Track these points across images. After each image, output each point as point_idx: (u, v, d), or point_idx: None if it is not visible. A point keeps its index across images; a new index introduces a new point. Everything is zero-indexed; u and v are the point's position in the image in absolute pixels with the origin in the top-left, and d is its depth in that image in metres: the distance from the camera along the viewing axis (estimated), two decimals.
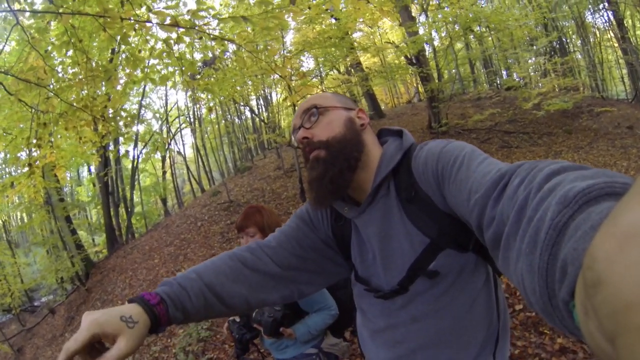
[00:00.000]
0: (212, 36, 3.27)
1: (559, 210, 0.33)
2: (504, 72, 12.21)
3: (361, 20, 6.48)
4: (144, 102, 11.84)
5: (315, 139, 0.79)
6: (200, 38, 4.29)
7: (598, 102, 10.82)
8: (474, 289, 0.79)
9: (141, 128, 12.64)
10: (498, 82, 12.09)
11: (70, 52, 3.57)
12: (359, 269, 0.86)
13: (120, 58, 4.34)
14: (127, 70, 3.87)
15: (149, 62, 3.95)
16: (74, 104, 3.66)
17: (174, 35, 3.06)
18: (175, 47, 3.45)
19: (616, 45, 14.00)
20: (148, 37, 3.64)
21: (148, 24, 2.96)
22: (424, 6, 7.51)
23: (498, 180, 0.50)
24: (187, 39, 3.24)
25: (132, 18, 2.92)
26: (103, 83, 3.83)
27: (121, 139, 12.79)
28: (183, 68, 3.66)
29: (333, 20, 6.57)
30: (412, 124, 10.42)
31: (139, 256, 9.00)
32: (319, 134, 0.79)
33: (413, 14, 7.77)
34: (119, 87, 4.33)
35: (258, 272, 0.83)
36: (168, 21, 2.84)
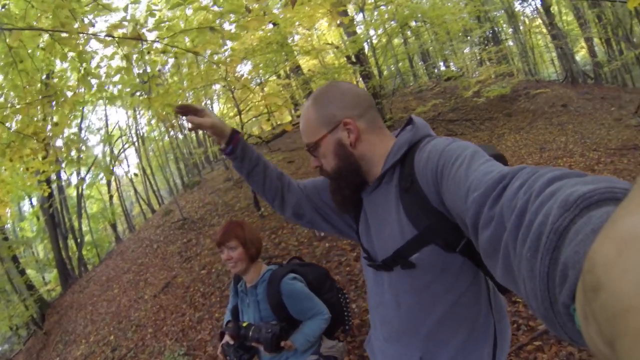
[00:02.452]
0: (176, 49, 3.06)
1: (560, 214, 0.34)
2: (442, 64, 12.84)
3: (298, 23, 6.47)
4: (83, 125, 11.15)
5: (323, 167, 0.90)
6: (163, 52, 4.06)
7: (533, 85, 11.53)
8: (457, 290, 0.81)
9: (82, 155, 11.89)
10: (437, 73, 12.60)
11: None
12: (362, 239, 0.96)
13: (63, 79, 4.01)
14: (80, 90, 3.56)
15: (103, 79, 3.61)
16: (22, 133, 3.29)
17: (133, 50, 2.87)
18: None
19: (545, 31, 15.08)
20: (106, 53, 3.40)
21: (108, 39, 2.67)
22: (361, 5, 7.63)
23: (498, 181, 0.50)
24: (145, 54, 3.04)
25: (88, 33, 2.67)
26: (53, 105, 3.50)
27: (63, 166, 12.05)
28: (145, 82, 3.45)
29: (271, 26, 6.50)
30: None
31: (97, 288, 8.46)
32: (324, 165, 0.89)
33: (350, 14, 7.88)
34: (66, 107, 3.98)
35: (292, 184, 1.10)
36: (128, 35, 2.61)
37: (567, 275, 0.30)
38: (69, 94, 3.58)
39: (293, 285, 1.48)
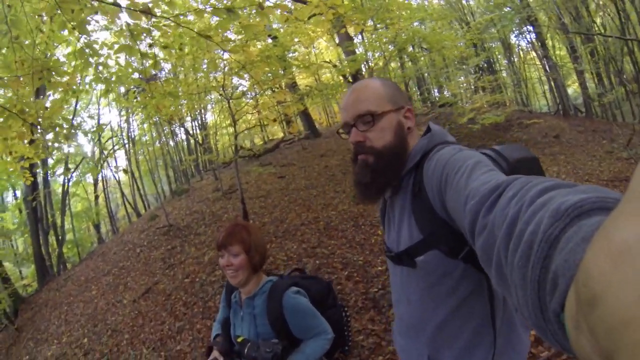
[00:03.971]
0: (191, 30, 2.80)
1: (551, 224, 0.34)
2: (436, 90, 13.04)
3: (297, 40, 6.54)
4: (74, 122, 11.01)
5: (367, 143, 0.88)
6: (165, 46, 3.78)
7: (526, 115, 11.78)
8: (459, 295, 0.83)
9: (72, 149, 11.72)
10: (432, 99, 12.78)
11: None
12: (385, 235, 1.00)
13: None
14: (69, 68, 3.34)
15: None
16: (7, 108, 3.02)
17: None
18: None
19: (538, 63, 15.49)
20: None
21: (115, 7, 2.38)
22: (361, 27, 7.76)
23: (493, 190, 0.51)
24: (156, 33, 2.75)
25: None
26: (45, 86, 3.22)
27: (50, 160, 11.85)
28: (147, 65, 3.13)
29: (270, 40, 6.57)
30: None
31: (74, 288, 8.25)
32: (372, 140, 0.87)
33: (350, 34, 8.01)
34: (56, 95, 3.73)
35: None
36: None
37: (558, 283, 0.30)
38: (65, 79, 3.38)
39: (296, 299, 1.34)
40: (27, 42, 3.18)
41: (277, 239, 5.85)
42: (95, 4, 2.39)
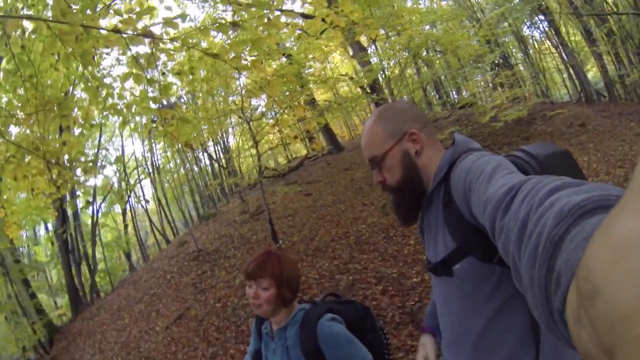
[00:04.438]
0: (196, 49, 2.78)
1: (555, 224, 0.35)
2: (454, 92, 12.85)
3: (311, 56, 6.55)
4: (100, 155, 11.34)
5: (387, 182, 0.94)
6: (178, 73, 3.74)
7: (548, 107, 11.44)
8: (498, 301, 0.82)
9: (99, 181, 12.05)
10: (450, 101, 12.59)
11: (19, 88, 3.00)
12: (425, 249, 1.01)
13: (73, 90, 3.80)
14: (86, 103, 3.39)
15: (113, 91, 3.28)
16: (22, 146, 3.04)
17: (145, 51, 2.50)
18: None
19: (554, 52, 15.09)
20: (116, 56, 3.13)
21: (116, 34, 2.30)
22: (373, 37, 7.74)
23: (507, 193, 0.52)
24: (162, 57, 2.61)
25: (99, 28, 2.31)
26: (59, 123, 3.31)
27: (79, 192, 12.21)
28: (156, 93, 3.02)
29: (284, 59, 6.60)
30: None
31: (107, 317, 8.41)
32: (388, 179, 0.93)
33: (364, 45, 7.98)
34: (76, 130, 3.77)
35: None
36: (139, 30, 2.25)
37: (560, 283, 0.30)
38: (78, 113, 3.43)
39: (332, 327, 1.23)
40: (48, 82, 3.25)
41: (307, 257, 5.79)
42: (94, 29, 2.32)
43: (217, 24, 2.52)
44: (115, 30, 2.30)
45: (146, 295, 8.30)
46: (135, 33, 2.29)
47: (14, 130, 3.46)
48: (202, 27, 2.72)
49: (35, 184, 3.55)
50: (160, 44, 2.57)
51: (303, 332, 1.23)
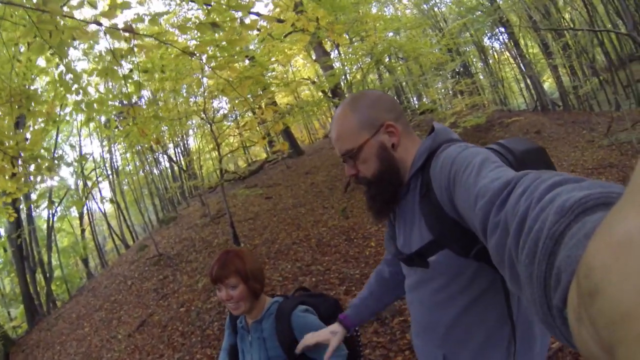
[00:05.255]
0: (175, 49, 2.75)
1: (556, 220, 0.34)
2: (415, 98, 13.26)
3: (274, 59, 6.59)
4: (55, 154, 10.82)
5: (360, 174, 0.91)
6: (145, 70, 3.61)
7: (505, 114, 11.98)
8: (471, 294, 0.82)
9: (55, 182, 11.47)
10: (411, 107, 12.96)
11: None
12: (398, 240, 0.98)
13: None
14: (48, 98, 3.22)
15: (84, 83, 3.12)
16: None
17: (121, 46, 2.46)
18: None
19: (513, 63, 15.90)
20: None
21: (93, 27, 2.25)
22: (338, 41, 7.87)
23: (503, 187, 0.50)
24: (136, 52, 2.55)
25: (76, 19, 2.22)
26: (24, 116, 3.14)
27: (33, 195, 11.58)
28: (128, 90, 2.97)
29: (247, 62, 6.60)
30: (332, 158, 10.58)
31: (66, 326, 8.01)
32: (362, 172, 0.90)
33: (327, 49, 8.11)
34: (35, 126, 3.56)
35: (392, 266, 1.19)
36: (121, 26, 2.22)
37: (560, 279, 0.30)
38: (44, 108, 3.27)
39: (306, 318, 1.28)
40: (6, 72, 3.09)
41: (270, 260, 5.79)
42: (73, 20, 2.26)
43: (198, 23, 2.53)
44: (97, 22, 2.27)
45: (106, 302, 7.99)
46: (117, 28, 2.26)
47: None
48: (181, 25, 2.73)
49: None
50: (139, 41, 2.56)
51: (278, 323, 1.27)
